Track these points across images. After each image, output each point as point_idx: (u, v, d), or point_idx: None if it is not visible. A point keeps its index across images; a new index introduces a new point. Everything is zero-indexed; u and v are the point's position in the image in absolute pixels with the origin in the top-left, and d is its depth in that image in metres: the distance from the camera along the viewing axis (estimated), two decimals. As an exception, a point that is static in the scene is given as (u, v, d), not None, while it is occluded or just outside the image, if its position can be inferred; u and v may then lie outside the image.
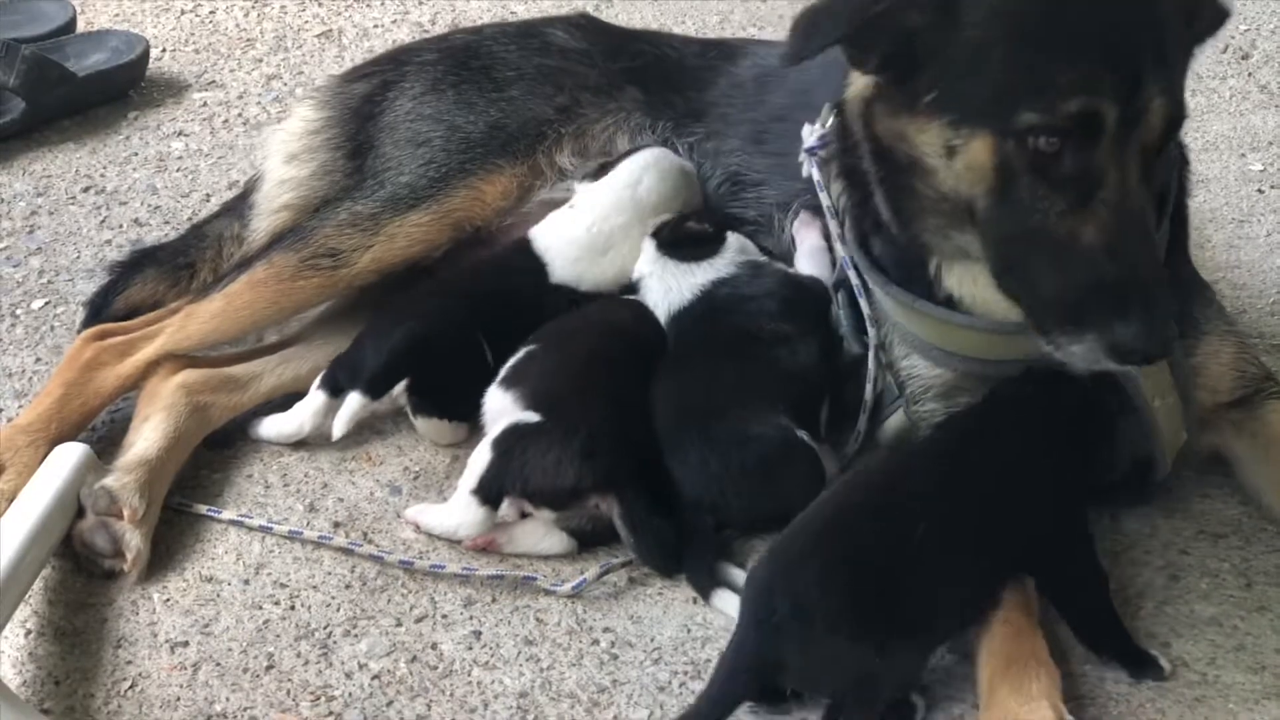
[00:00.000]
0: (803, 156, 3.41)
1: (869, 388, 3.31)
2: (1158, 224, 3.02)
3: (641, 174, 3.62)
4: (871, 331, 3.28)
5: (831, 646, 2.64)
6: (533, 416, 3.17)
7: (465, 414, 3.41)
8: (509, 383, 3.30)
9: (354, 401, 3.34)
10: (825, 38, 2.90)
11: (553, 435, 3.11)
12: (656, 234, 3.55)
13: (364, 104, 3.90)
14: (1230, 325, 3.38)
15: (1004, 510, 2.84)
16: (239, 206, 3.99)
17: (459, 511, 3.11)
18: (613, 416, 3.20)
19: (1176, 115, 2.81)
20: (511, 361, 3.36)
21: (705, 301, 3.48)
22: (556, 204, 3.69)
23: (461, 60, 3.94)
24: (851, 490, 2.94)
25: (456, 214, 3.65)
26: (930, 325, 3.13)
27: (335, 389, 3.41)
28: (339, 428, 3.36)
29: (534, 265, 3.58)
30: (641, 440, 3.22)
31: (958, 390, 3.18)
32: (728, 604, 2.96)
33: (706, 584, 3.02)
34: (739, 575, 3.04)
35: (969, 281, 3.08)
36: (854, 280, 3.29)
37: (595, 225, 3.59)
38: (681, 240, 3.53)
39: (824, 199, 3.37)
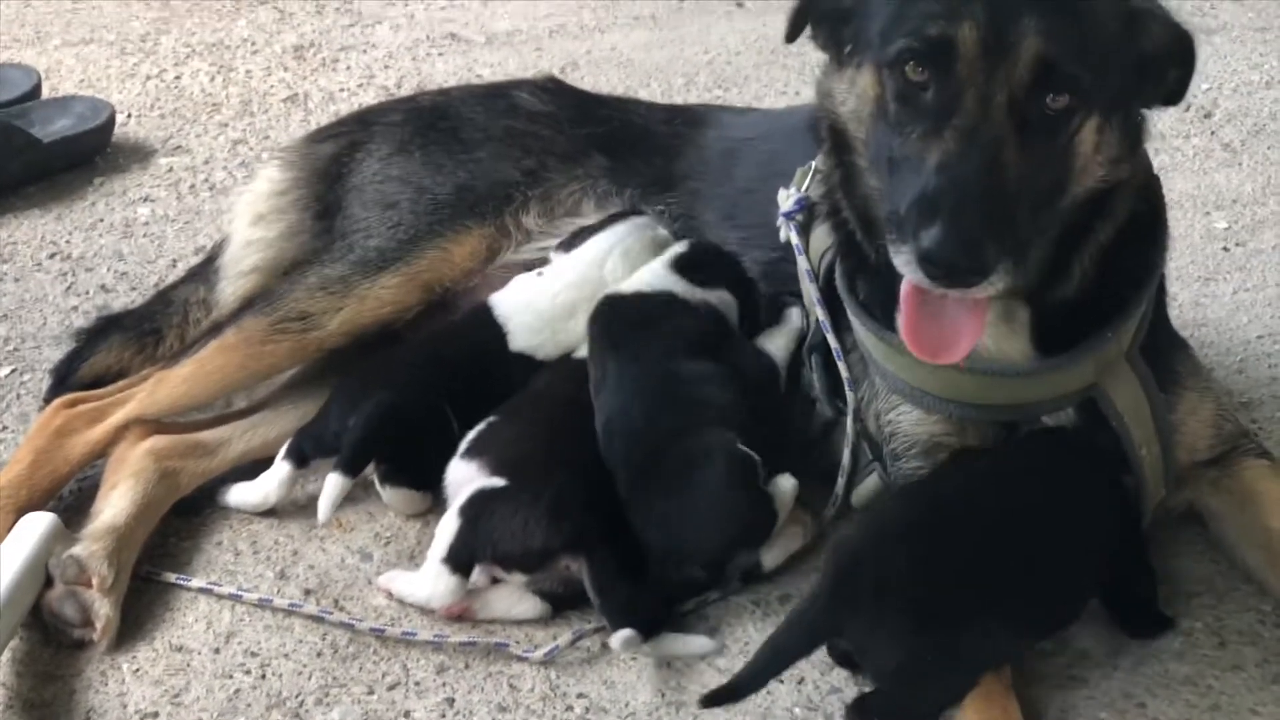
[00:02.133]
0: (780, 221, 3.43)
1: (847, 452, 3.32)
2: (1137, 290, 3.09)
3: (608, 252, 3.62)
4: (850, 395, 3.29)
5: (896, 629, 2.72)
6: (498, 481, 3.16)
7: (430, 484, 3.39)
8: (472, 453, 3.29)
9: (334, 483, 3.30)
10: (794, 18, 3.08)
11: (519, 498, 3.10)
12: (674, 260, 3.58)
13: (331, 165, 3.90)
14: (1208, 383, 3.40)
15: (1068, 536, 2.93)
16: (204, 271, 3.99)
17: (430, 582, 3.09)
18: (577, 478, 3.19)
19: (1051, 60, 2.78)
20: (472, 433, 3.34)
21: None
22: (521, 265, 3.70)
23: (429, 122, 3.95)
24: (948, 486, 3.06)
25: (426, 275, 3.65)
26: (924, 370, 3.11)
27: (300, 459, 3.40)
28: (324, 512, 3.31)
29: (494, 333, 3.57)
30: (607, 502, 3.20)
31: (940, 447, 3.17)
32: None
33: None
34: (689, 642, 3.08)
35: None
36: (832, 344, 3.31)
37: (560, 295, 3.58)
38: (699, 264, 3.58)
39: (801, 263, 3.39)
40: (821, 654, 2.98)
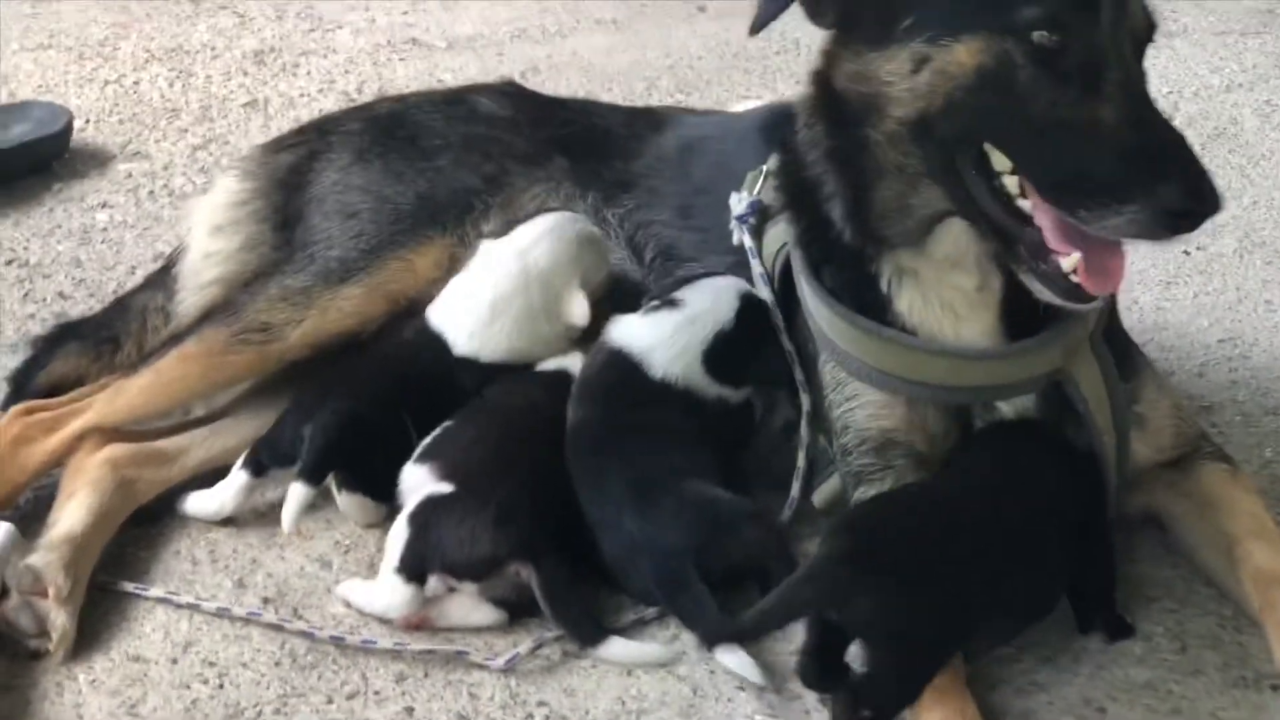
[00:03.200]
0: (733, 224, 3.44)
1: (801, 454, 3.32)
2: None
3: (534, 242, 3.56)
4: (805, 399, 3.30)
5: (901, 595, 2.73)
6: (445, 488, 3.15)
7: (386, 494, 3.36)
8: (424, 457, 3.29)
9: (298, 492, 3.28)
10: None
11: (466, 505, 3.09)
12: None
13: (290, 175, 3.87)
14: (1164, 379, 3.46)
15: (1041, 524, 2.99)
16: (162, 279, 3.96)
17: (386, 592, 3.08)
18: (526, 485, 3.19)
19: (1150, 9, 2.91)
20: (428, 439, 3.34)
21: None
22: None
23: (387, 129, 3.93)
24: (945, 479, 3.13)
25: (389, 286, 3.62)
26: (892, 353, 3.13)
27: (258, 469, 3.38)
28: (288, 522, 3.29)
29: (436, 343, 3.53)
30: (556, 509, 3.21)
31: (892, 444, 3.18)
32: (732, 660, 2.96)
33: (714, 635, 2.97)
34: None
35: (919, 306, 3.12)
36: (786, 347, 3.32)
37: (481, 293, 3.53)
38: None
39: (755, 266, 3.39)
40: (788, 660, 2.99)
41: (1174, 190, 2.69)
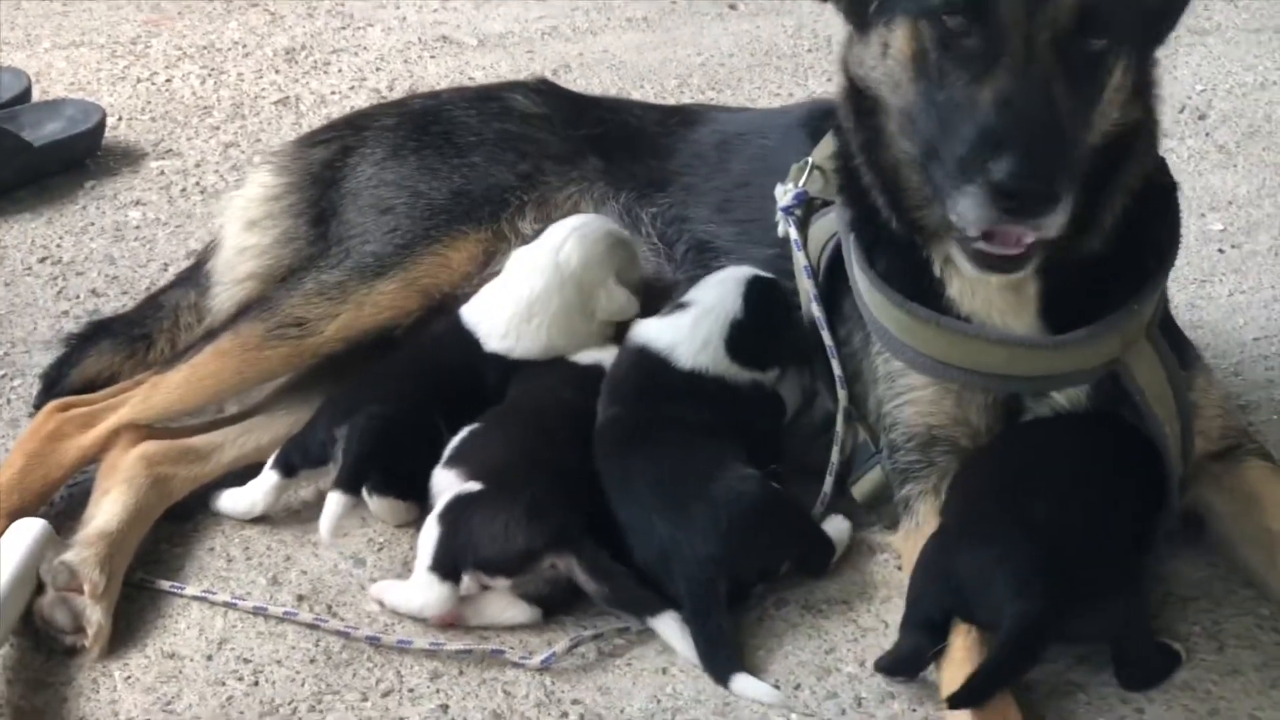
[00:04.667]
0: (779, 216, 3.44)
1: (835, 450, 3.32)
2: (1160, 260, 3.17)
3: (564, 239, 3.56)
4: (841, 394, 3.29)
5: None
6: (474, 486, 3.14)
7: (417, 493, 3.36)
8: (453, 461, 3.29)
9: (335, 501, 3.25)
10: None
11: (497, 501, 3.09)
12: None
13: (324, 170, 3.87)
14: (1211, 374, 3.45)
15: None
16: (195, 276, 3.96)
17: (421, 591, 3.07)
18: (555, 479, 3.19)
19: (1091, 5, 2.84)
20: (454, 442, 3.34)
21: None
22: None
23: (422, 125, 3.92)
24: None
25: (424, 281, 3.63)
26: (947, 341, 3.13)
27: (288, 469, 3.38)
28: (326, 531, 3.25)
29: (468, 340, 3.54)
30: (587, 503, 3.20)
31: (938, 440, 3.18)
32: (748, 687, 2.94)
33: (725, 668, 2.97)
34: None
35: (969, 295, 3.13)
36: (826, 341, 3.32)
37: (518, 292, 3.53)
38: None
39: (799, 259, 3.39)
40: (820, 658, 3.03)
41: (1003, 168, 2.69)
